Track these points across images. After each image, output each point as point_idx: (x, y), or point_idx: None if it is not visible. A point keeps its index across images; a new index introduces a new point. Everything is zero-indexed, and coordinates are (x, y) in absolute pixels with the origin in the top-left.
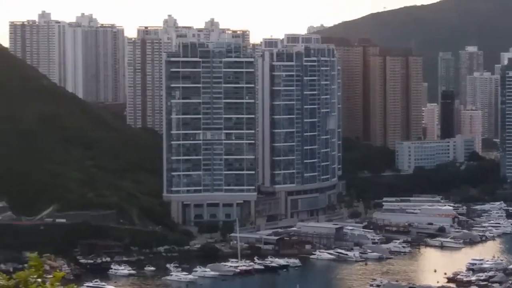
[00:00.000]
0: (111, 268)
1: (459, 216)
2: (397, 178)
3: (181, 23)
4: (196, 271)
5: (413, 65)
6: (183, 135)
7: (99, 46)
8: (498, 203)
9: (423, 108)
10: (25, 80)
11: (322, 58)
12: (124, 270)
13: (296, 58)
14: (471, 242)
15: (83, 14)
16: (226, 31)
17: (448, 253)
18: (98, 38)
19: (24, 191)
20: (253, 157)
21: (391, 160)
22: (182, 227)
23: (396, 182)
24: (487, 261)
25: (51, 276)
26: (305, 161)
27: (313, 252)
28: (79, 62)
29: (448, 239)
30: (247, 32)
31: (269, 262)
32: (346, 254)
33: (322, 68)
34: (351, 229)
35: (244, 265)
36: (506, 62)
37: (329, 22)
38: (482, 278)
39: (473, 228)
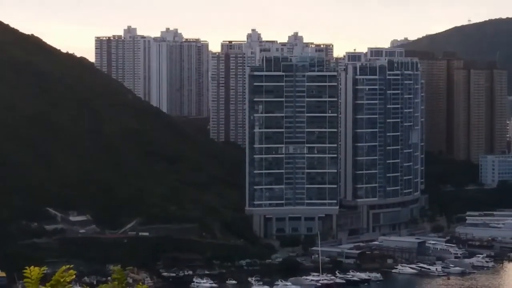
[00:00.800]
0: (193, 282)
1: None
2: (481, 192)
3: (264, 37)
4: (278, 284)
5: (497, 78)
6: (266, 149)
7: (184, 61)
8: None
9: (507, 122)
10: (110, 94)
11: (406, 72)
12: (206, 283)
13: (379, 71)
14: None
15: (168, 29)
16: (310, 45)
17: None
18: (182, 52)
19: (108, 205)
20: (335, 171)
21: (474, 174)
22: (264, 241)
23: (479, 196)
24: None
25: None
26: (387, 175)
27: (395, 267)
28: (163, 76)
29: None
30: (331, 46)
31: (351, 276)
32: (428, 269)
33: (405, 82)
34: (433, 244)
35: (325, 279)
36: None
37: (413, 36)
38: None
39: None
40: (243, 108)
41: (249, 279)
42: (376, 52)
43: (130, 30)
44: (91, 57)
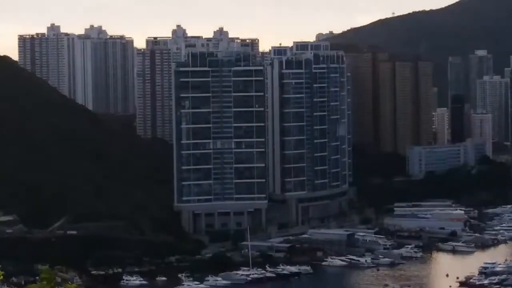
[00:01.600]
0: (123, 279)
1: (470, 220)
2: (408, 183)
3: (190, 33)
4: (208, 280)
5: (422, 70)
6: (193, 145)
7: (109, 58)
8: (510, 206)
9: (433, 113)
10: (35, 93)
11: (331, 65)
12: (136, 280)
13: (305, 65)
14: (483, 245)
15: (92, 26)
16: (235, 40)
17: (460, 257)
18: (107, 49)
19: (35, 204)
20: (263, 165)
21: (401, 165)
22: (193, 237)
23: (407, 188)
24: (500, 264)
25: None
26: (315, 168)
27: (325, 259)
28: (88, 74)
29: (460, 243)
30: (256, 41)
31: (281, 269)
32: (358, 260)
33: (331, 75)
34: (362, 235)
35: (255, 273)
36: None
37: (338, 29)
38: (494, 281)
39: (485, 232)
40: (169, 104)
41: (179, 275)
42: (301, 46)
43: (53, 28)
44: (14, 55)
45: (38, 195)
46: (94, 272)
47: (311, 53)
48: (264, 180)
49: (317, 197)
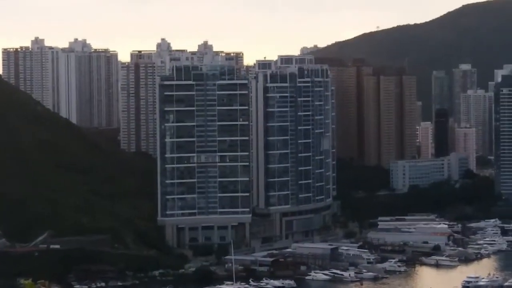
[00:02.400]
0: None
1: (454, 234)
2: (392, 198)
3: (174, 46)
4: None
5: (406, 84)
6: (177, 159)
7: (93, 71)
8: (493, 220)
9: (417, 127)
10: (19, 106)
11: (316, 79)
12: None
13: (290, 79)
14: (466, 260)
15: (76, 39)
16: (220, 54)
17: (444, 271)
18: (91, 63)
19: (18, 218)
20: (247, 179)
21: (385, 179)
22: (177, 251)
23: (391, 202)
24: (483, 278)
25: None
26: (299, 182)
27: (308, 273)
28: (72, 87)
29: (443, 257)
30: (241, 54)
31: (264, 284)
32: (342, 275)
33: (315, 89)
34: (346, 249)
35: None
36: (499, 79)
37: (323, 43)
38: None
39: (468, 246)
40: (153, 117)
41: None
42: (286, 60)
43: (37, 41)
44: None
45: (21, 209)
46: (77, 286)
47: (295, 66)
48: (248, 194)
49: (301, 211)
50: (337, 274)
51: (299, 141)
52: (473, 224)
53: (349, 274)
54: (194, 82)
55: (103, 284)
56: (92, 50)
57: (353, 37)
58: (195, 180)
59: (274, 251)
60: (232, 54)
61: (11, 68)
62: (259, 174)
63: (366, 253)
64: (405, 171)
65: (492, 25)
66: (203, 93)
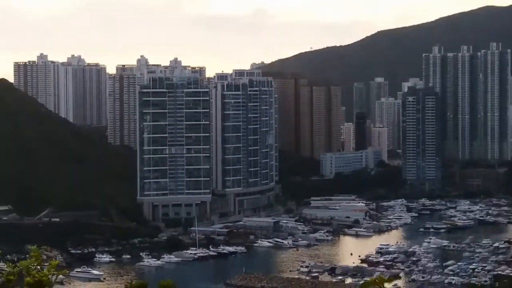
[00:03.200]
0: (96, 257)
1: (370, 211)
2: (321, 182)
3: (151, 61)
4: (164, 257)
5: (333, 93)
6: (153, 150)
7: (86, 81)
8: (400, 200)
9: (342, 127)
10: (27, 108)
11: (262, 88)
12: (106, 258)
13: (242, 88)
14: (379, 231)
15: (73, 55)
16: (187, 68)
17: (362, 240)
18: (85, 74)
19: (25, 197)
20: (208, 167)
21: (317, 167)
22: (152, 223)
23: (320, 185)
24: (392, 246)
25: (48, 264)
26: (249, 169)
27: (256, 241)
28: (70, 93)
29: (361, 229)
30: (203, 68)
31: (221, 249)
32: (282, 242)
33: (262, 96)
34: (285, 222)
35: (201, 252)
36: (406, 89)
37: (268, 60)
38: (388, 259)
39: (381, 220)
40: (134, 118)
41: (141, 253)
42: (239, 73)
43: (42, 56)
44: (10, 78)
45: (29, 189)
46: (72, 251)
47: (246, 78)
48: (208, 179)
49: (250, 192)
50: (278, 242)
51: (249, 137)
52: (384, 203)
53: (288, 242)
54: (166, 90)
55: (93, 249)
56: (86, 64)
57: (292, 55)
58: (167, 167)
59: (229, 224)
60: (196, 68)
61: (21, 77)
62: (217, 163)
63: (301, 225)
64: (332, 161)
65: (400, 46)
66: (174, 99)
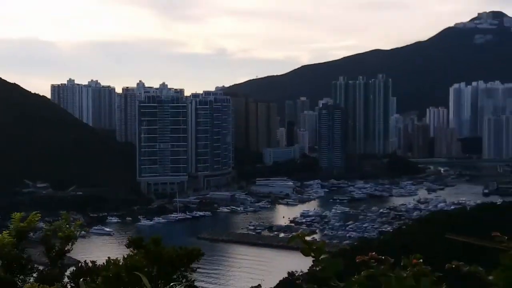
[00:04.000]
0: (107, 219)
1: (296, 188)
2: (264, 168)
3: (146, 84)
4: (155, 219)
5: (272, 108)
6: (148, 146)
7: (101, 98)
8: (317, 180)
9: (277, 130)
10: (60, 116)
11: (224, 104)
12: (114, 219)
13: (209, 104)
14: (303, 201)
15: (92, 79)
16: (171, 89)
17: (290, 207)
18: (100, 93)
19: (59, 178)
20: (185, 157)
21: (261, 158)
22: (147, 196)
23: (263, 170)
24: (311, 211)
25: (73, 223)
26: (214, 159)
27: (218, 208)
28: (90, 106)
29: (290, 200)
30: (183, 90)
31: (195, 214)
32: (236, 209)
33: (223, 109)
34: (239, 195)
35: (181, 216)
36: (321, 105)
37: (227, 83)
38: (308, 220)
39: (304, 194)
40: (135, 124)
41: (139, 217)
42: (207, 93)
43: (70, 80)
44: (48, 95)
45: (61, 172)
46: (91, 215)
47: (212, 97)
48: (186, 165)
49: (215, 174)
50: (234, 208)
51: (214, 137)
52: (306, 183)
53: (240, 209)
54: (157, 105)
55: (105, 213)
56: (101, 86)
57: (244, 81)
58: (157, 157)
59: (200, 196)
60: (178, 90)
61: (55, 95)
62: (192, 154)
63: (249, 197)
64: (271, 154)
65: (317, 74)
66: (162, 110)
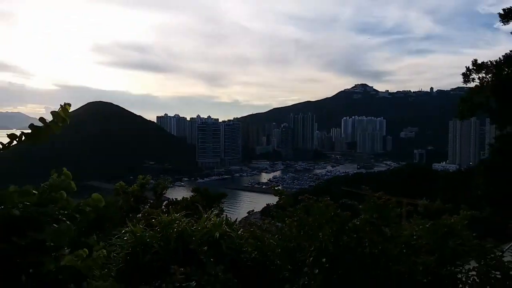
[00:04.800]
0: (183, 178)
1: (271, 165)
2: (257, 156)
3: (201, 116)
4: (205, 179)
5: (259, 129)
6: (202, 145)
7: (180, 123)
8: (281, 161)
9: (262, 138)
10: (161, 133)
11: (236, 126)
12: (186, 179)
13: (230, 126)
14: (274, 171)
15: (177, 114)
16: (212, 119)
17: (268, 174)
18: (180, 121)
19: (160, 160)
20: (218, 150)
21: (254, 151)
22: (201, 168)
23: (256, 157)
24: (277, 175)
25: (166, 180)
26: (232, 151)
27: (234, 174)
28: (174, 127)
29: (268, 170)
30: (218, 119)
31: (223, 176)
32: (243, 174)
33: (236, 129)
34: (244, 168)
35: (217, 177)
36: (282, 127)
37: (238, 116)
38: (276, 179)
39: (274, 167)
40: (196, 135)
41: (198, 178)
42: (229, 121)
43: (166, 115)
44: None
45: (161, 158)
46: (176, 176)
47: (231, 122)
48: (218, 154)
49: (232, 158)
50: (241, 174)
51: (232, 141)
52: (276, 162)
53: (244, 174)
54: (205, 126)
55: (181, 176)
56: (180, 117)
57: (246, 115)
58: (205, 150)
59: (225, 169)
60: (215, 119)
61: (159, 123)
62: (222, 149)
63: (249, 169)
64: (260, 149)
65: (281, 112)
66: (208, 129)
